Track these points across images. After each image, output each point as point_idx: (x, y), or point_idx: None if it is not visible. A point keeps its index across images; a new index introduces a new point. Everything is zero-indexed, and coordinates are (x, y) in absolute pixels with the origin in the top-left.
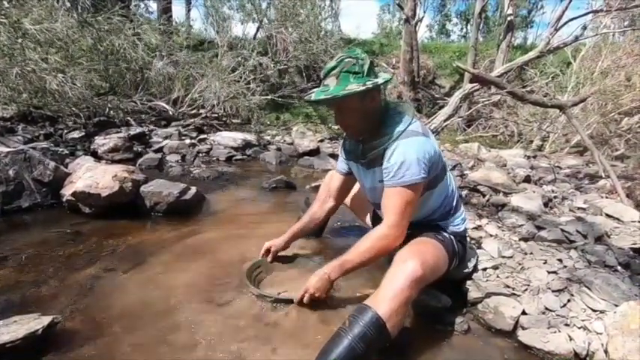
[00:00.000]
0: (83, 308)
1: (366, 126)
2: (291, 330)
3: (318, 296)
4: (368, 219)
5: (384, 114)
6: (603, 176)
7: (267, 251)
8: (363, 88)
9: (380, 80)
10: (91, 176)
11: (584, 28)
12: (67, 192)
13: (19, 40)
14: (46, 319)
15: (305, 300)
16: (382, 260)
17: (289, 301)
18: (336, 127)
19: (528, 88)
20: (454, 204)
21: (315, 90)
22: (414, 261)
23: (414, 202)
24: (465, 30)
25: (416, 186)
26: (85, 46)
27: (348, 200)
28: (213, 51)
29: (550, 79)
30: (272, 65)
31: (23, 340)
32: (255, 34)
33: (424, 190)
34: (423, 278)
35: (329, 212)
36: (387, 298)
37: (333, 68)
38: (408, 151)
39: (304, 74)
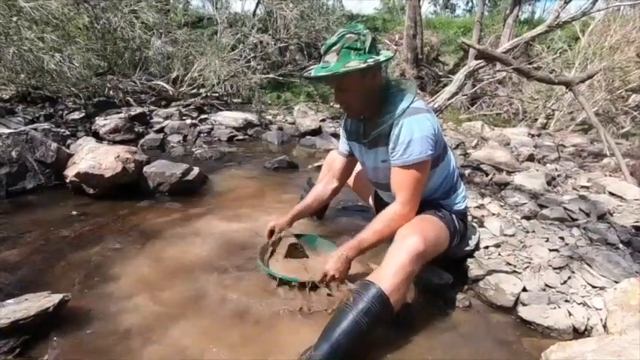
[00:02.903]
0: (91, 286)
1: (367, 104)
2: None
3: (338, 277)
4: (370, 200)
5: (386, 92)
6: (608, 154)
7: (271, 232)
8: (364, 65)
9: (382, 57)
10: (94, 157)
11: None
12: (70, 173)
13: (14, 19)
14: (56, 297)
15: (327, 282)
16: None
17: (302, 284)
18: (337, 106)
19: (535, 65)
20: (455, 182)
21: (314, 66)
22: (415, 237)
23: (423, 179)
24: (470, 4)
25: (424, 163)
26: (81, 24)
27: (350, 181)
28: (212, 28)
29: (557, 54)
30: (272, 43)
31: (35, 317)
32: (255, 10)
33: None
34: (424, 253)
35: (333, 192)
36: (389, 274)
37: (334, 44)
38: (414, 128)
39: (305, 52)
